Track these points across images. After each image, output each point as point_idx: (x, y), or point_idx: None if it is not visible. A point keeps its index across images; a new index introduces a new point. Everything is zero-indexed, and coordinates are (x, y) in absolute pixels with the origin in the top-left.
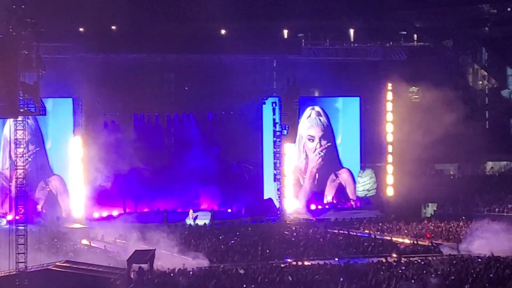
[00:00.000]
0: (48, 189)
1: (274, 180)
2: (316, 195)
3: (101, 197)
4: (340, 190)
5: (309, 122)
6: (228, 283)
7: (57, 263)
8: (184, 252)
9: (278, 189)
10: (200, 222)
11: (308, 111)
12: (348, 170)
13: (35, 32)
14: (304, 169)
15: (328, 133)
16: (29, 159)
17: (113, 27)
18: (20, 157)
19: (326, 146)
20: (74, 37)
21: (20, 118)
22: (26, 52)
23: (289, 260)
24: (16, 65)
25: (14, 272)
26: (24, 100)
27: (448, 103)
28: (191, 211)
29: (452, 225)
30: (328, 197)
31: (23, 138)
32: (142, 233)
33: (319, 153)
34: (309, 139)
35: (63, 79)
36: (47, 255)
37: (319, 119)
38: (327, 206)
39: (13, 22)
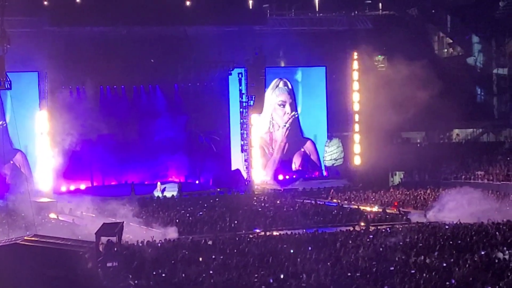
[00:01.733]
0: (12, 163)
1: (242, 151)
2: (283, 164)
3: (68, 171)
4: (306, 159)
5: (278, 91)
6: (196, 255)
7: (25, 237)
8: (152, 224)
9: (245, 160)
10: (168, 194)
11: (275, 81)
12: (311, 140)
13: None
14: (270, 140)
15: (295, 103)
16: None
17: (78, 0)
18: None
19: (292, 115)
20: (38, 10)
21: None
22: None
23: (257, 231)
24: None
25: None
26: None
27: (414, 71)
28: (159, 183)
29: (419, 193)
30: (296, 164)
31: None
32: (110, 206)
33: (286, 125)
34: (280, 105)
35: (28, 53)
36: (15, 229)
37: (286, 89)
38: (294, 176)
39: None
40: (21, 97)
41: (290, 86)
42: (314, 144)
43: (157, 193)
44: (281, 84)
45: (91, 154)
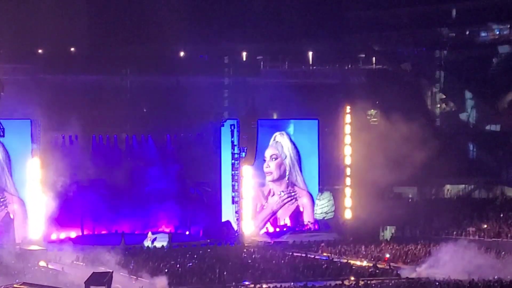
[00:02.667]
0: (6, 211)
1: (233, 203)
2: (274, 217)
3: (59, 219)
4: (297, 213)
5: (274, 144)
6: None
7: (14, 285)
8: (142, 274)
9: (236, 212)
10: (158, 244)
11: (275, 134)
12: (309, 193)
13: None
14: (263, 192)
15: (290, 155)
16: None
17: (72, 49)
18: None
19: (288, 168)
20: (32, 58)
21: None
22: None
23: (246, 283)
24: None
25: None
26: None
27: (407, 126)
28: (149, 233)
29: (410, 248)
30: (285, 219)
31: None
32: (100, 255)
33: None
34: (274, 158)
35: (21, 100)
36: (5, 276)
37: (283, 142)
38: (285, 229)
39: None
40: (14, 144)
41: (286, 139)
42: (311, 196)
43: (147, 243)
44: (277, 137)
45: (82, 202)
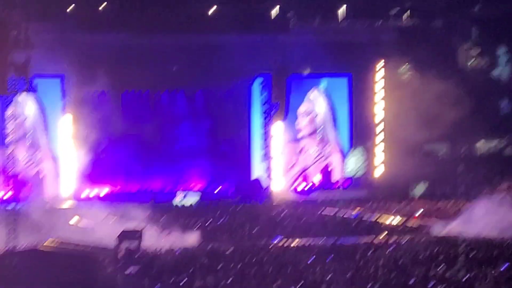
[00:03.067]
0: (38, 168)
1: (263, 160)
2: (305, 174)
3: (90, 176)
4: (328, 170)
5: (307, 100)
6: (215, 263)
7: (45, 243)
8: (171, 232)
9: (266, 169)
10: (187, 202)
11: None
12: (340, 149)
13: (25, 12)
14: (295, 149)
15: (322, 112)
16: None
17: (102, 7)
18: (10, 135)
19: (320, 125)
20: (62, 16)
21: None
22: (15, 32)
23: (277, 241)
24: (6, 45)
25: (2, 252)
26: (14, 79)
27: (439, 82)
28: (179, 191)
29: (441, 205)
30: (316, 176)
31: (13, 117)
32: (131, 212)
33: (312, 134)
34: (306, 114)
35: (52, 58)
36: (36, 234)
37: (315, 98)
38: (315, 186)
39: (1, 2)
40: (45, 101)
41: (320, 95)
42: (343, 154)
43: (177, 201)
44: (312, 95)
45: (113, 159)
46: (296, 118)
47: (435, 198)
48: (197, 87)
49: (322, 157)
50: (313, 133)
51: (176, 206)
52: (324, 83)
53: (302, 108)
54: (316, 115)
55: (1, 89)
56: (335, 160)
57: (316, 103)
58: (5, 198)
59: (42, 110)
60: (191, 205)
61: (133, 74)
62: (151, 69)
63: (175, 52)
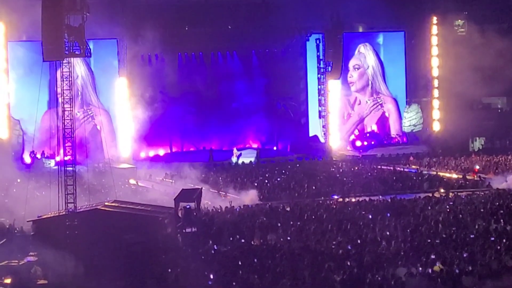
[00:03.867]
0: (93, 123)
1: (319, 117)
2: (362, 125)
3: (147, 137)
4: (384, 118)
5: (358, 54)
6: (274, 221)
7: (105, 203)
8: (231, 190)
9: (323, 126)
10: (245, 160)
11: (359, 46)
12: (394, 99)
13: None
14: (349, 102)
15: (372, 66)
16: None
17: None
18: (66, 98)
19: (375, 80)
20: None
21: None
22: None
23: (335, 197)
24: (61, 8)
25: (63, 213)
26: (70, 42)
27: (495, 35)
28: (234, 149)
29: (500, 159)
30: (372, 126)
31: (69, 80)
32: (189, 172)
33: (364, 87)
34: (357, 68)
35: (106, 20)
36: (95, 194)
37: (366, 52)
38: (373, 142)
39: None
40: (101, 63)
41: (371, 50)
42: (397, 104)
43: (234, 159)
44: (361, 48)
45: (170, 120)
46: (351, 75)
47: (493, 152)
48: (252, 46)
49: (376, 105)
50: (365, 85)
51: (234, 164)
52: (379, 39)
53: (353, 62)
54: (372, 72)
55: (57, 53)
56: (390, 109)
57: (370, 59)
58: (64, 159)
59: (99, 73)
60: (250, 162)
61: (188, 36)
62: (206, 30)
63: (229, 11)
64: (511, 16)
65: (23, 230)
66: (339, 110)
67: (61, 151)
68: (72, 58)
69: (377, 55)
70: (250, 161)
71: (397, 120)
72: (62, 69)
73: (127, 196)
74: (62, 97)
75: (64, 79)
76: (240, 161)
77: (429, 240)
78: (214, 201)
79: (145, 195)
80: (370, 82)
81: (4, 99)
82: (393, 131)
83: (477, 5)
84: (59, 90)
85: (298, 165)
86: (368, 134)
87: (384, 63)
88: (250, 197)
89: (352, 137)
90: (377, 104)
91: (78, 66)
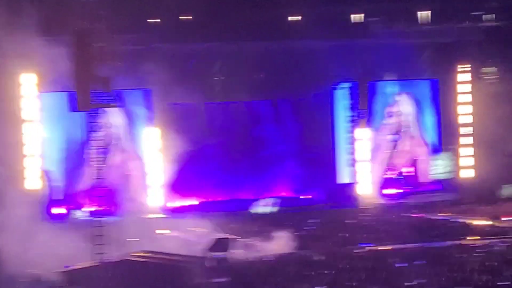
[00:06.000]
0: (126, 179)
1: (349, 165)
2: (393, 178)
3: (178, 186)
4: (416, 173)
5: (392, 103)
6: (308, 270)
7: (136, 253)
8: (261, 240)
9: (353, 174)
10: (276, 209)
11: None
12: (428, 152)
13: (109, 25)
14: (382, 152)
15: (410, 117)
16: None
17: (185, 17)
18: (98, 148)
19: (407, 129)
20: (146, 27)
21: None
22: (101, 45)
23: (369, 246)
24: (91, 58)
25: (93, 264)
26: (99, 92)
27: None
28: (267, 199)
29: None
30: (405, 179)
31: (100, 130)
32: (219, 221)
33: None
34: (391, 120)
35: (135, 70)
36: (126, 245)
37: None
38: (402, 190)
39: (87, 15)
40: (131, 114)
41: (405, 100)
42: (431, 157)
43: (265, 208)
44: (396, 96)
45: (200, 169)
46: (382, 123)
47: None
48: (281, 94)
49: (410, 160)
50: (400, 137)
51: (265, 213)
52: (413, 86)
53: (388, 113)
54: (403, 120)
55: (85, 104)
56: (423, 164)
57: (402, 108)
58: (96, 210)
59: (128, 123)
60: (280, 212)
61: (216, 84)
62: (236, 78)
63: (258, 59)
64: None
65: (51, 281)
66: (370, 159)
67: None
68: (106, 111)
69: (412, 102)
70: (280, 210)
71: (429, 169)
72: (93, 119)
73: (158, 245)
74: (93, 147)
75: (94, 129)
76: (271, 210)
77: None
78: (244, 250)
79: (175, 244)
80: (405, 135)
81: (37, 150)
82: (425, 179)
83: (508, 52)
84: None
85: (328, 214)
86: (402, 177)
87: (418, 110)
88: (281, 246)
89: (383, 188)
90: (411, 158)
91: (111, 115)
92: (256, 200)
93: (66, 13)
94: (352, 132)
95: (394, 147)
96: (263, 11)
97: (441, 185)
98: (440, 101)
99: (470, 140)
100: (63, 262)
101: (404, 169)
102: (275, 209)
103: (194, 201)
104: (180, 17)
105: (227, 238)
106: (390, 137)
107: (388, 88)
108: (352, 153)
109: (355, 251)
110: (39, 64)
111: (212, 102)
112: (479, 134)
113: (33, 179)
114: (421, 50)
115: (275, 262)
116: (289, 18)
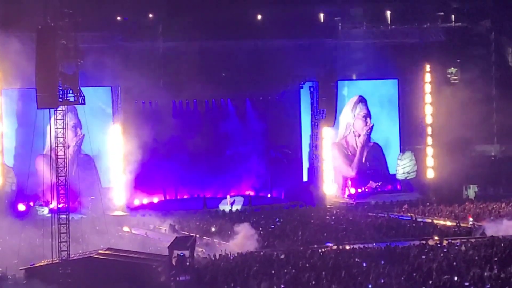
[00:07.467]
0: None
1: (313, 164)
2: (355, 178)
3: (141, 184)
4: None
5: (362, 105)
6: (269, 268)
7: (99, 251)
8: (224, 238)
9: (317, 173)
10: (238, 207)
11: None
12: (389, 152)
13: (73, 22)
14: (347, 144)
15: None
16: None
17: (150, 15)
18: (60, 146)
19: (370, 127)
20: (111, 25)
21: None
22: (65, 42)
23: (329, 245)
24: (55, 55)
25: (57, 261)
26: (64, 90)
27: (487, 84)
28: (228, 196)
29: (494, 206)
30: (367, 178)
31: (62, 128)
32: (183, 219)
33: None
34: (363, 117)
35: (101, 68)
36: (89, 243)
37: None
38: (366, 190)
39: (51, 13)
40: (95, 111)
41: (364, 97)
42: (381, 149)
43: (224, 206)
44: (355, 97)
45: (164, 167)
46: (344, 122)
47: (487, 199)
48: (245, 94)
49: (371, 160)
50: (362, 136)
51: (228, 211)
52: (372, 86)
53: (350, 112)
54: (365, 119)
55: (51, 101)
56: (385, 164)
57: (364, 107)
58: (58, 207)
59: (92, 120)
60: (243, 210)
61: (182, 83)
62: (199, 78)
63: (223, 58)
64: (503, 64)
65: (16, 278)
66: (332, 157)
67: (55, 198)
68: (71, 108)
69: (375, 102)
70: (244, 208)
71: (382, 166)
72: (56, 116)
73: (121, 243)
74: (56, 144)
75: (58, 127)
76: (234, 208)
77: None
78: (207, 249)
79: (139, 242)
80: (367, 134)
81: None
82: (387, 178)
83: (469, 53)
84: (52, 137)
85: (291, 213)
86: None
87: (378, 110)
88: (244, 245)
89: (346, 188)
90: (373, 158)
91: (72, 114)
92: (221, 198)
93: (30, 10)
94: (316, 131)
95: (357, 146)
96: (230, 10)
97: (405, 185)
98: (401, 101)
99: (431, 140)
100: (27, 259)
101: (366, 169)
102: (239, 207)
103: (158, 199)
104: (146, 16)
105: (191, 236)
106: (353, 136)
107: (352, 87)
108: (316, 152)
109: (316, 249)
110: (2, 61)
111: (176, 101)
112: (440, 135)
113: None
114: (384, 50)
115: (237, 260)
116: (255, 17)
